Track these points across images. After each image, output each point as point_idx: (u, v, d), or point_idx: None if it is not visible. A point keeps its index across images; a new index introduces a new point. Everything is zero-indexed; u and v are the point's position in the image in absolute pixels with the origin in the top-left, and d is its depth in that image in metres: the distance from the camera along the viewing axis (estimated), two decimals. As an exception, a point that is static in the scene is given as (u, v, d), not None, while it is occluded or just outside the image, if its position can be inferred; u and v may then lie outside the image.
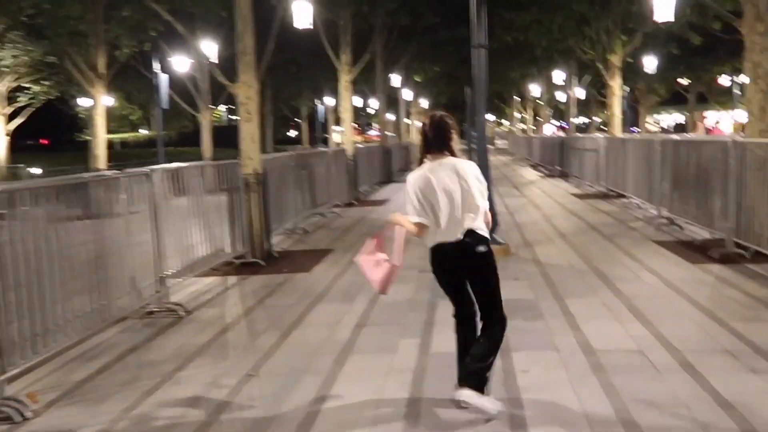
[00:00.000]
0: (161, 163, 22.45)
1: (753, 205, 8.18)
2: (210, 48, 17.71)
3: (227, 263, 9.09)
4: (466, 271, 4.13)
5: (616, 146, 15.83)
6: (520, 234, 10.85)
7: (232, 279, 8.52)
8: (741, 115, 54.20)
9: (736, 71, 39.82)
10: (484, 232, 4.09)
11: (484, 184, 4.18)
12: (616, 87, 16.42)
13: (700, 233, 9.98)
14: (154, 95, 23.39)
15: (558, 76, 27.52)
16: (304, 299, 7.22)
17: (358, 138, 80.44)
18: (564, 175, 23.00)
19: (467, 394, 4.05)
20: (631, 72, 28.42)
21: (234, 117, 69.99)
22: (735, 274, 7.50)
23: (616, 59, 16.39)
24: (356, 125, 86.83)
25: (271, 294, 7.62)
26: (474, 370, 4.09)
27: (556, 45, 16.75)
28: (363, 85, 29.02)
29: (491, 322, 4.17)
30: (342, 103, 17.31)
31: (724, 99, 56.15)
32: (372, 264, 4.26)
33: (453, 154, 4.14)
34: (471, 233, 4.02)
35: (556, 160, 24.45)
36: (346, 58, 17.05)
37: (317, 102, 47.20)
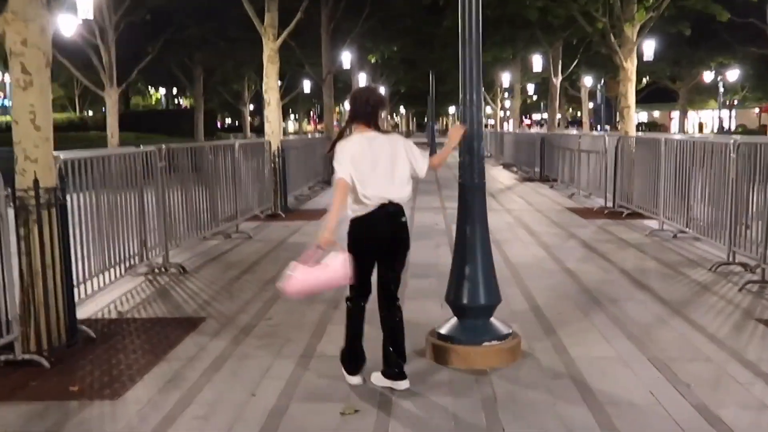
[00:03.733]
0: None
1: None
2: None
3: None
4: (386, 243, 4.12)
5: (634, 148, 11.72)
6: (523, 293, 6.57)
7: (-46, 412, 4.06)
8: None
9: (723, 67, 36.28)
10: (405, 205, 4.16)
11: (417, 154, 4.19)
12: (632, 69, 12.27)
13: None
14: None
15: (537, 61, 23.43)
16: None
17: (311, 128, 75.95)
18: (545, 180, 19.00)
19: (406, 383, 4.20)
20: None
21: (179, 102, 64.13)
22: None
23: (632, 31, 12.24)
24: (312, 113, 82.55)
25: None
26: (400, 365, 4.22)
27: (555, 11, 12.57)
28: (312, 69, 24.43)
29: (394, 308, 4.24)
30: (266, 80, 12.83)
31: (700, 98, 52.81)
32: (314, 275, 3.97)
33: (378, 128, 4.16)
34: (394, 204, 4.07)
35: (536, 160, 20.41)
36: (270, 19, 12.54)
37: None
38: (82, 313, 5.98)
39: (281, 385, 4.33)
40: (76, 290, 5.82)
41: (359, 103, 4.15)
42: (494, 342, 4.60)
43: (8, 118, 36.56)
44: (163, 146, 7.97)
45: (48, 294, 4.94)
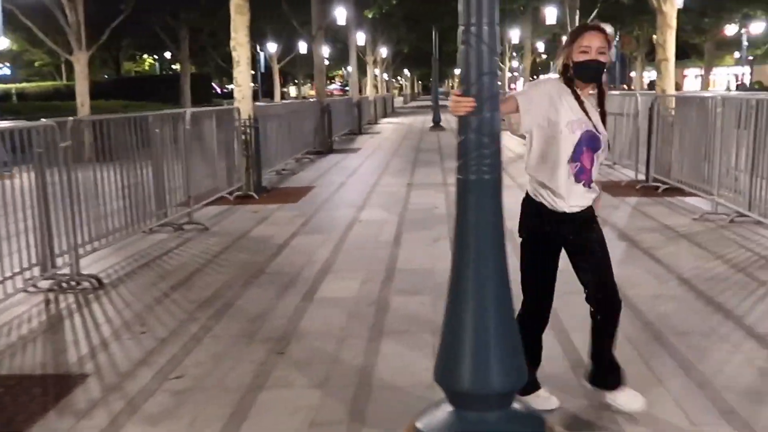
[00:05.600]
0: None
1: None
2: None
3: None
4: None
5: (674, 109, 9.77)
6: (550, 324, 4.64)
7: None
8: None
9: (747, 19, 33.66)
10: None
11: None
12: (671, 14, 10.17)
13: None
14: None
15: (551, 14, 21.21)
16: None
17: (314, 93, 73.64)
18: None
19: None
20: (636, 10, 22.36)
21: (175, 67, 61.40)
22: None
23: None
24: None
25: None
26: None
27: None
28: (303, 27, 22.27)
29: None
30: (234, 35, 10.81)
31: (718, 54, 49.83)
32: None
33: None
34: None
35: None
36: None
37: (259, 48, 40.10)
38: None
39: None
40: None
41: None
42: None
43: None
44: (70, 119, 6.05)
45: None
